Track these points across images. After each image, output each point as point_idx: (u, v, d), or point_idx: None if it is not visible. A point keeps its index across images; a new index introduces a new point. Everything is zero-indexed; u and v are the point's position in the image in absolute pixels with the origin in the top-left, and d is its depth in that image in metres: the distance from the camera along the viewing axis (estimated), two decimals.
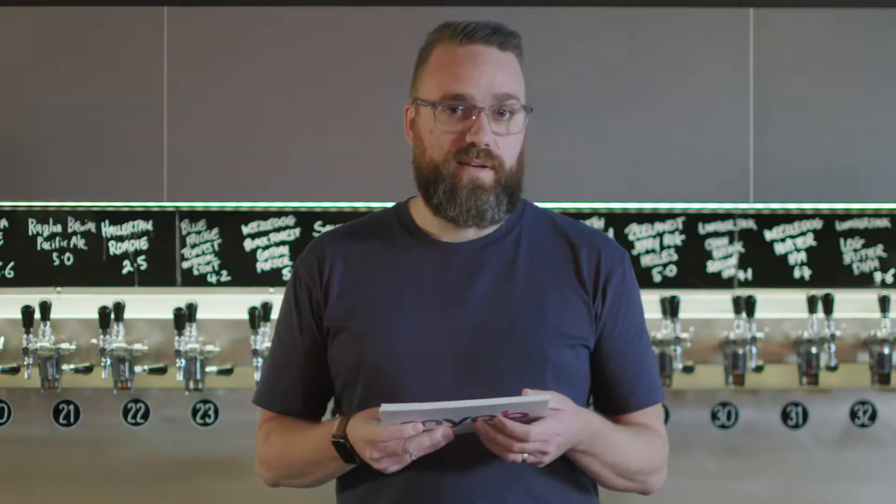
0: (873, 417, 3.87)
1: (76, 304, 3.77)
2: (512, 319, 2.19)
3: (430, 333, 2.18)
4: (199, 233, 3.86)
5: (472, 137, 2.16)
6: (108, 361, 3.61)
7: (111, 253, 3.85)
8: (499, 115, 2.19)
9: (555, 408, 2.08)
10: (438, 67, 2.21)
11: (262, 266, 3.86)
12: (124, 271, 3.85)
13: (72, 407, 3.82)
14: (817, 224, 3.90)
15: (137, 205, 3.84)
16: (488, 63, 2.19)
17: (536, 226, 2.29)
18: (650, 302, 3.73)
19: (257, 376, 3.60)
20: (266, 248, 3.86)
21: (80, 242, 3.85)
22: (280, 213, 3.86)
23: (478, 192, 2.18)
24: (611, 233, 3.86)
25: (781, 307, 3.84)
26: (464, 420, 2.04)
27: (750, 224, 3.89)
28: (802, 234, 3.90)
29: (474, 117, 2.16)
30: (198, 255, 3.85)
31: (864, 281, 3.90)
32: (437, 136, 2.19)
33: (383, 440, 2.04)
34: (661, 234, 3.89)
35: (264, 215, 3.86)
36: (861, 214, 3.90)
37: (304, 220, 3.85)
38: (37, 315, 3.63)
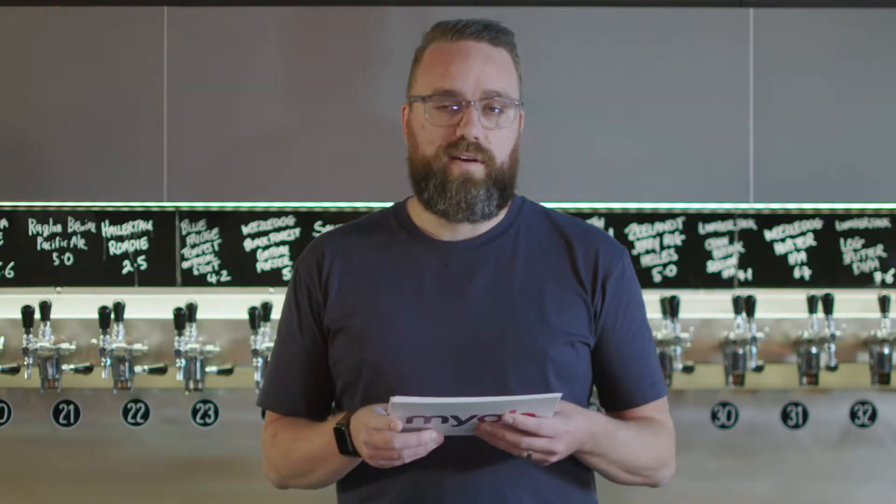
0: (873, 417, 3.87)
1: (76, 304, 3.77)
2: (511, 318, 2.19)
3: (430, 333, 2.19)
4: (199, 233, 3.86)
5: (461, 130, 2.17)
6: (108, 361, 3.61)
7: (111, 253, 3.85)
8: (489, 110, 2.20)
9: (558, 411, 2.08)
10: (430, 64, 2.23)
11: (262, 266, 3.85)
12: (124, 271, 3.84)
13: (72, 407, 3.82)
14: (817, 224, 3.90)
15: (137, 205, 3.83)
16: (478, 58, 2.20)
17: (534, 223, 2.29)
18: (650, 302, 3.69)
19: (257, 376, 3.60)
20: (266, 248, 3.86)
21: (80, 242, 3.85)
22: (280, 213, 3.85)
23: (468, 186, 2.19)
24: (611, 233, 3.85)
25: (781, 307, 3.84)
26: (470, 419, 2.04)
27: (750, 224, 3.89)
28: (802, 234, 3.89)
29: (464, 111, 2.17)
30: (198, 255, 3.85)
31: (864, 281, 3.89)
32: (429, 131, 2.21)
33: (377, 427, 2.05)
34: (661, 234, 3.88)
35: (264, 215, 3.86)
36: (861, 214, 3.89)
37: (304, 220, 3.85)
38: (37, 315, 3.62)
